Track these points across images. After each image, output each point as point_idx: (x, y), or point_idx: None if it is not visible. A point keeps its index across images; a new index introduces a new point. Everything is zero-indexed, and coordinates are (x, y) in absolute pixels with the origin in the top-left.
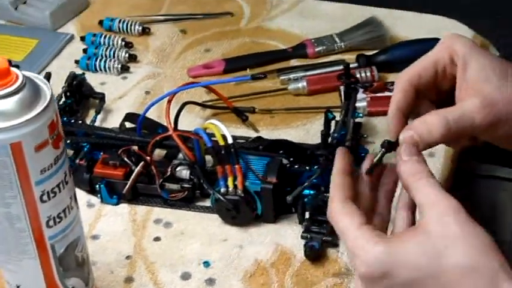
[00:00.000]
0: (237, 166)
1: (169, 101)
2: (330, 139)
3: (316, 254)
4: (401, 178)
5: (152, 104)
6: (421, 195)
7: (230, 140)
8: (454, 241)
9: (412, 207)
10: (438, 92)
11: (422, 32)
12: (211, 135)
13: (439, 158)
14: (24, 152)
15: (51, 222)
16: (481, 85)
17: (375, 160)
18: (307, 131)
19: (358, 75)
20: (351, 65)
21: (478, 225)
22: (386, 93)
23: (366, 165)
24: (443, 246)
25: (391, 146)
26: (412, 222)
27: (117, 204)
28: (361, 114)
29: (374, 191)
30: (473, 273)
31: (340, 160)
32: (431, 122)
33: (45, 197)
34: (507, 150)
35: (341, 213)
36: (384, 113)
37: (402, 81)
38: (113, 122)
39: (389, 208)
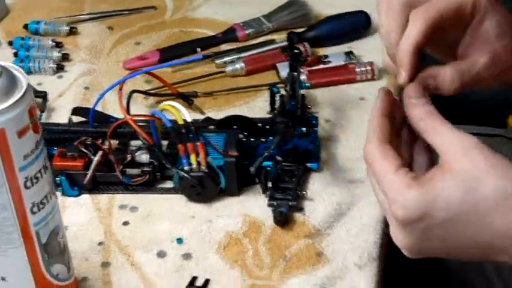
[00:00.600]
0: (198, 143)
1: (120, 89)
2: (275, 112)
3: (285, 218)
4: (412, 121)
5: (103, 94)
6: (438, 136)
7: (189, 119)
8: (483, 172)
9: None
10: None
11: (347, 5)
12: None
13: None
14: (8, 138)
15: (35, 209)
16: (492, 42)
17: None
18: (251, 109)
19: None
20: (282, 44)
21: (501, 156)
22: (321, 66)
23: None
24: (474, 179)
25: None
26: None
27: (78, 195)
28: (308, 84)
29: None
30: (508, 198)
31: (381, 99)
32: (450, 73)
33: (28, 183)
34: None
35: (377, 157)
36: (323, 85)
37: (425, 18)
38: (58, 119)
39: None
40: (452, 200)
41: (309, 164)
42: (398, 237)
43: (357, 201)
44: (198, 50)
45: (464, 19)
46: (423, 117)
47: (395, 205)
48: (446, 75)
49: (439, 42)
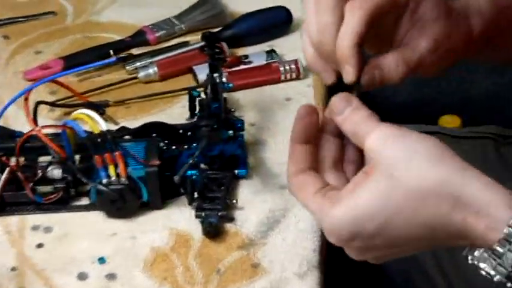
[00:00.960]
0: (116, 153)
1: (26, 99)
2: (195, 118)
3: (215, 230)
4: (346, 134)
5: (6, 108)
6: (362, 140)
7: (104, 127)
8: (397, 166)
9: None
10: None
11: (264, 2)
12: None
13: None
14: None
15: None
16: (430, 25)
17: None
18: (168, 116)
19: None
20: (198, 45)
21: (418, 135)
22: (242, 67)
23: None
24: (389, 177)
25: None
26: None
27: None
28: (230, 84)
29: (339, 138)
30: (426, 192)
31: (295, 126)
32: (395, 60)
33: None
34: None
35: (296, 188)
36: (245, 86)
37: (363, 9)
38: None
39: (360, 153)
40: (375, 208)
41: (237, 171)
42: (347, 252)
43: (291, 207)
44: (111, 52)
45: (399, 7)
46: (354, 130)
47: (325, 231)
48: (392, 63)
49: (376, 34)
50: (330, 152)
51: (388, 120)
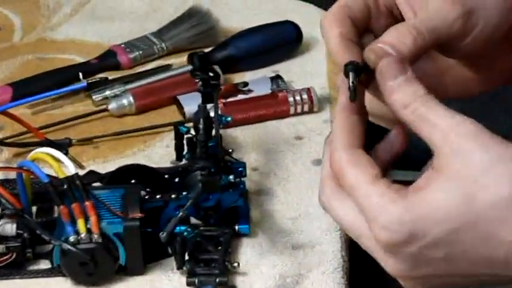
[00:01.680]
0: (87, 203)
1: None
2: (184, 160)
3: None
4: (392, 109)
5: None
6: (426, 129)
7: (73, 170)
8: (483, 172)
9: None
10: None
11: (261, 17)
12: None
13: None
14: None
15: None
16: None
17: (350, 84)
18: (149, 158)
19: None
20: (184, 69)
21: (509, 144)
22: (241, 97)
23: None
24: (472, 182)
25: (359, 68)
26: None
27: None
28: (229, 118)
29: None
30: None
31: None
32: (402, 31)
33: None
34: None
35: (347, 164)
36: (245, 121)
37: (331, 14)
38: None
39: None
40: (446, 212)
41: (237, 227)
42: (389, 264)
43: (307, 272)
44: (80, 75)
45: (380, 2)
46: (401, 107)
47: (376, 226)
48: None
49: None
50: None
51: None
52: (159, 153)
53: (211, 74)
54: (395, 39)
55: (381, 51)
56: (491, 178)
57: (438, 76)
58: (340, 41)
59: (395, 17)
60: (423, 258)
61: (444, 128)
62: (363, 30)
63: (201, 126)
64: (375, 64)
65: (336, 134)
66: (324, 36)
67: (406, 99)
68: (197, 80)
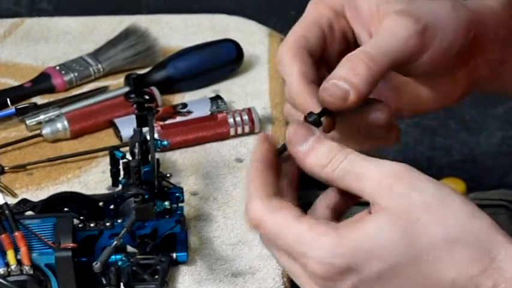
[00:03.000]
0: (17, 233)
1: None
2: (120, 186)
3: None
4: (312, 173)
5: None
6: (354, 182)
7: (1, 200)
8: (426, 211)
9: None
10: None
11: (202, 35)
12: None
13: None
14: None
15: None
16: (383, 6)
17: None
18: (84, 184)
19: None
20: (120, 91)
21: (443, 185)
22: (179, 119)
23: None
24: (414, 221)
25: (318, 123)
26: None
27: None
28: (165, 142)
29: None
30: (457, 245)
31: (260, 147)
32: (355, 61)
33: None
34: None
35: (269, 211)
36: (184, 144)
37: (288, 48)
38: None
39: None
40: (389, 245)
41: (175, 254)
42: None
43: None
44: (8, 101)
45: (335, 27)
46: (321, 168)
47: (309, 260)
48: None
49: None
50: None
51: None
52: (95, 179)
53: (146, 97)
54: (348, 72)
55: (335, 89)
56: (431, 218)
57: (393, 95)
58: (302, 83)
59: (349, 42)
60: None
61: (375, 176)
62: (319, 59)
63: (136, 150)
64: (331, 104)
65: (251, 185)
66: (282, 71)
67: (323, 159)
68: (131, 104)
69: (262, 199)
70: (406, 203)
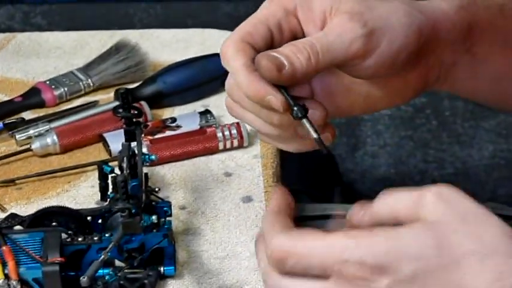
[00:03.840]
0: (4, 248)
1: None
2: (108, 201)
3: None
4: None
5: None
6: (401, 206)
7: None
8: (462, 223)
9: None
10: None
11: (192, 50)
12: None
13: (259, 202)
14: None
15: None
16: (335, 6)
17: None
18: (73, 198)
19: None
20: (110, 105)
21: (480, 204)
22: (168, 133)
23: None
24: (450, 232)
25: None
26: None
27: None
28: (153, 157)
29: None
30: (491, 255)
31: (276, 198)
32: (298, 47)
33: None
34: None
35: (293, 238)
36: (173, 159)
37: (233, 42)
38: None
39: None
40: (420, 252)
41: (162, 268)
42: None
43: None
44: None
45: (284, 27)
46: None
47: (344, 266)
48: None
49: None
50: None
51: (368, 199)
52: (84, 193)
53: (134, 111)
54: (290, 53)
55: (274, 60)
56: (471, 231)
57: (344, 93)
58: (248, 72)
59: None
60: None
61: (416, 191)
62: None
63: (124, 165)
64: (267, 72)
65: (266, 227)
66: (226, 64)
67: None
68: (119, 118)
69: (283, 232)
70: (444, 215)
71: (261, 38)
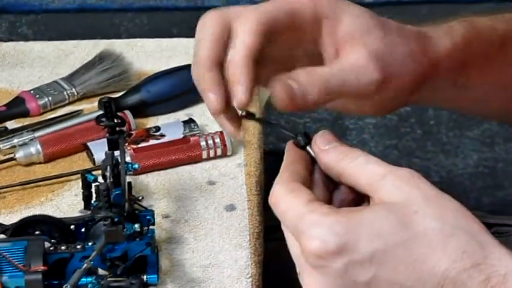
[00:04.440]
0: None
1: None
2: (91, 209)
3: None
4: (330, 169)
5: None
6: (365, 174)
7: None
8: (424, 205)
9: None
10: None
11: (176, 59)
12: None
13: (242, 210)
14: None
15: None
16: (361, 37)
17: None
18: (57, 207)
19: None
20: (94, 114)
21: (442, 191)
22: (152, 142)
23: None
24: (412, 212)
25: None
26: None
27: None
28: (137, 166)
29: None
30: (452, 238)
31: (291, 152)
32: (313, 76)
33: None
34: None
35: (284, 194)
36: (156, 167)
37: (253, 21)
38: None
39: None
40: (380, 231)
41: (145, 277)
42: (315, 282)
43: None
44: None
45: (300, 28)
46: (338, 161)
47: (305, 238)
48: (305, 77)
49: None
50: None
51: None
52: (67, 202)
53: (117, 121)
54: (305, 82)
55: (288, 89)
56: (431, 211)
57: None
58: (249, 59)
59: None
60: (349, 278)
61: (381, 171)
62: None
63: (107, 174)
64: (275, 92)
65: (280, 174)
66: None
67: (341, 155)
68: (103, 127)
69: (285, 183)
70: (406, 196)
71: (280, 29)
